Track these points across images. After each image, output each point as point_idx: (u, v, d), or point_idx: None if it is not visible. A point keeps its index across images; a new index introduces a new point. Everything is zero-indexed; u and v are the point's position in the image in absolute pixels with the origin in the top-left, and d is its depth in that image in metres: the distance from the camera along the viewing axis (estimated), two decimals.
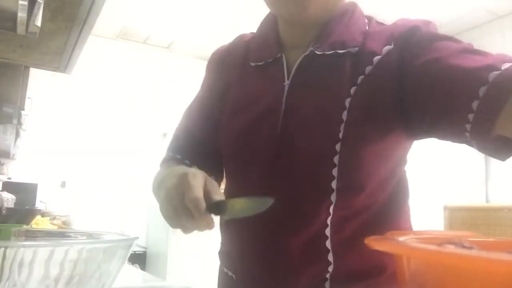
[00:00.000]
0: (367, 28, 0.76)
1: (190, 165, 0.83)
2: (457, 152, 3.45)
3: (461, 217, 1.78)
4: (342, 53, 0.73)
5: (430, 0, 3.53)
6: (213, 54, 0.93)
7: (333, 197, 0.71)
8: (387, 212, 0.75)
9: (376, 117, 0.70)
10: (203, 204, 0.57)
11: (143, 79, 4.75)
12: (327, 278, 0.72)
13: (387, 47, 0.71)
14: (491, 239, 0.38)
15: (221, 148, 0.84)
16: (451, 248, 0.30)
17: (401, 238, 0.35)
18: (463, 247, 0.31)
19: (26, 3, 0.86)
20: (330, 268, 0.71)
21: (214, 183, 0.63)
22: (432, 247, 0.27)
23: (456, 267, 0.25)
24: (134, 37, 4.55)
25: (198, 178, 0.60)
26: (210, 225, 0.59)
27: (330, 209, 0.71)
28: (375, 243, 0.32)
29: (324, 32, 0.75)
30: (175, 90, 4.89)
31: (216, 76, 0.89)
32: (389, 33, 0.73)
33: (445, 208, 1.61)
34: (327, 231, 0.72)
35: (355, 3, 0.81)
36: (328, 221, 0.72)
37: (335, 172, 0.70)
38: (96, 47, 4.45)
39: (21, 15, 0.89)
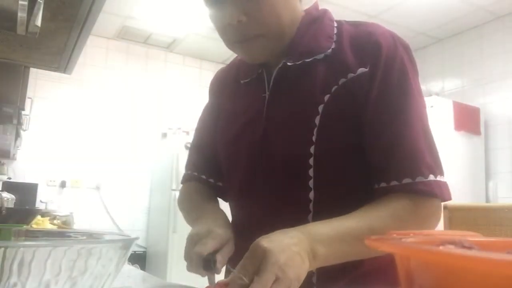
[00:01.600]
0: (335, 31, 0.82)
1: (207, 180, 0.97)
2: (457, 152, 3.46)
3: (461, 217, 1.78)
4: (310, 61, 0.80)
5: (431, 0, 3.53)
6: (214, 76, 1.05)
7: (311, 195, 0.76)
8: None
9: (345, 124, 0.75)
10: (196, 261, 0.69)
11: (143, 79, 4.75)
12: (314, 273, 0.76)
13: (362, 69, 0.76)
14: (491, 239, 0.38)
15: (218, 157, 0.94)
16: (451, 248, 0.30)
17: (401, 238, 0.35)
18: (463, 247, 0.31)
19: (26, 3, 0.86)
20: None
21: (229, 247, 0.73)
22: (432, 247, 0.27)
23: (456, 267, 0.25)
24: (134, 37, 4.55)
25: (217, 239, 0.71)
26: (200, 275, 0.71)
27: (309, 206, 0.77)
28: (375, 243, 0.32)
29: (293, 44, 0.81)
30: (175, 90, 4.89)
31: (215, 95, 1.01)
32: (367, 51, 0.76)
33: (445, 207, 1.61)
34: None
35: (325, 10, 0.86)
36: (310, 218, 0.77)
37: (311, 172, 0.76)
38: (96, 47, 4.45)
39: (21, 15, 0.89)
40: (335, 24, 0.83)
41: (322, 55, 0.79)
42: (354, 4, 3.57)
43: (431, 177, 0.71)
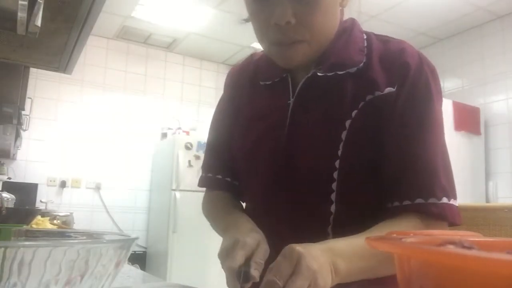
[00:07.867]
0: (365, 44, 0.81)
1: (224, 179, 0.92)
2: (457, 152, 3.45)
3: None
4: (342, 74, 0.78)
5: (431, 1, 3.53)
6: (227, 75, 1.00)
7: (332, 208, 0.76)
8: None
9: (370, 140, 0.76)
10: (229, 277, 0.64)
11: (143, 79, 4.76)
12: None
13: (389, 89, 0.76)
14: (491, 239, 0.38)
15: (235, 158, 0.91)
16: (451, 248, 0.30)
17: (401, 238, 0.35)
18: (463, 247, 0.31)
19: (26, 3, 0.86)
20: None
21: (263, 249, 0.67)
22: (432, 247, 0.27)
23: (456, 267, 0.25)
24: (134, 37, 4.55)
25: (245, 247, 0.66)
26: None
27: (330, 219, 0.76)
28: (375, 243, 0.32)
29: (324, 54, 0.79)
30: (175, 90, 4.89)
31: (230, 95, 0.96)
32: (396, 71, 0.76)
33: None
34: None
35: (353, 20, 0.85)
36: (329, 230, 0.76)
37: (334, 186, 0.75)
38: (96, 47, 4.45)
39: (21, 15, 0.90)
40: (365, 36, 0.83)
41: (354, 69, 0.78)
42: (354, 4, 3.57)
43: (444, 199, 0.71)
